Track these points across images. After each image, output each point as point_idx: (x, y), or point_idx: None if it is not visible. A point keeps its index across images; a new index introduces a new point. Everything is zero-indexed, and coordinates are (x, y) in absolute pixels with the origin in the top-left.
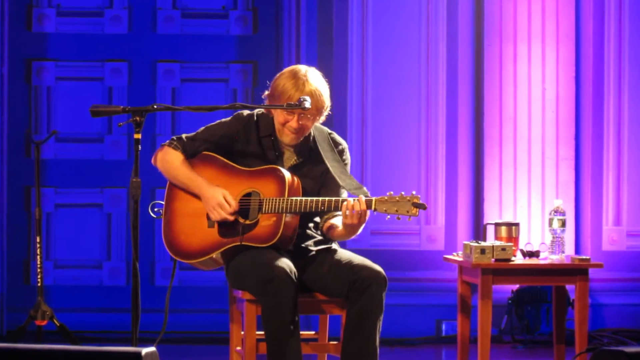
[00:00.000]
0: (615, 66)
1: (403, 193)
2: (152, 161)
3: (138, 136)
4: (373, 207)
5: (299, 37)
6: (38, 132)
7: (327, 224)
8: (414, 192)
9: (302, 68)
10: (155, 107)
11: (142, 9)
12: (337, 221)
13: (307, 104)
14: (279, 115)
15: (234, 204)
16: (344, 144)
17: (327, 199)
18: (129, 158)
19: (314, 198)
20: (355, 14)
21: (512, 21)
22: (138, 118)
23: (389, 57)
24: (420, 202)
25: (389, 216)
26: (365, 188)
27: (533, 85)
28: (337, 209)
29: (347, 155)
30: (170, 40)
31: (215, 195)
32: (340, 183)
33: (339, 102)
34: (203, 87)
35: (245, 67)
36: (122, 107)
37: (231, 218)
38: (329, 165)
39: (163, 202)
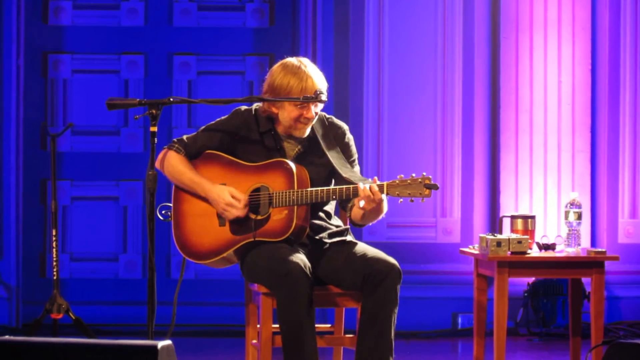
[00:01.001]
0: (632, 57)
1: (414, 175)
2: (157, 165)
3: (154, 129)
4: (385, 191)
5: (315, 30)
6: (54, 124)
7: (353, 211)
8: (424, 174)
9: (295, 61)
10: (171, 99)
11: (158, 1)
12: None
13: (324, 97)
14: (291, 112)
15: (243, 198)
16: (343, 126)
17: (337, 187)
18: (145, 151)
19: (325, 188)
20: (371, 6)
21: (528, 12)
22: (154, 111)
23: (405, 48)
24: (432, 182)
25: (401, 200)
26: (369, 180)
27: (549, 77)
28: (348, 196)
29: (349, 137)
30: (187, 33)
31: (223, 195)
32: (344, 176)
33: (355, 94)
34: (219, 80)
35: (261, 60)
36: (138, 99)
37: (243, 213)
38: (329, 156)
39: (171, 205)
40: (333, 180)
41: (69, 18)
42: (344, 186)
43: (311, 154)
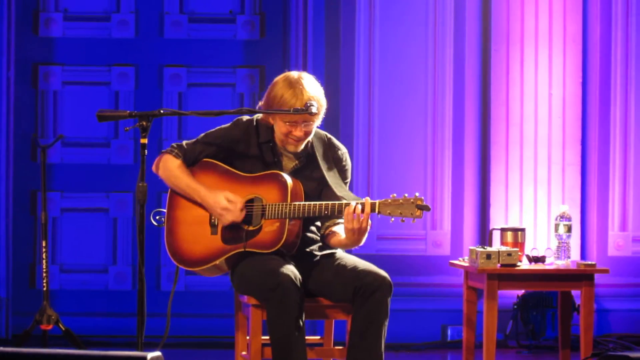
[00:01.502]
0: (623, 70)
1: (406, 195)
2: (153, 169)
3: (144, 141)
4: (377, 210)
5: (306, 42)
6: (44, 136)
7: (327, 231)
8: (417, 194)
9: (295, 74)
10: (161, 111)
11: (149, 13)
12: (339, 229)
13: (314, 109)
14: (281, 127)
15: (240, 201)
16: (343, 149)
17: (330, 202)
18: (136, 163)
19: (317, 202)
20: (362, 19)
21: (519, 24)
22: (144, 123)
23: (396, 60)
24: (424, 203)
25: (392, 219)
26: (362, 199)
27: (540, 89)
28: (340, 213)
29: (348, 161)
30: (177, 45)
31: (218, 200)
32: (338, 194)
33: (345, 105)
34: (210, 92)
35: (252, 72)
36: (128, 111)
37: (240, 217)
38: (325, 175)
39: (165, 210)
40: (322, 195)
41: (60, 30)
42: (337, 202)
43: (308, 169)
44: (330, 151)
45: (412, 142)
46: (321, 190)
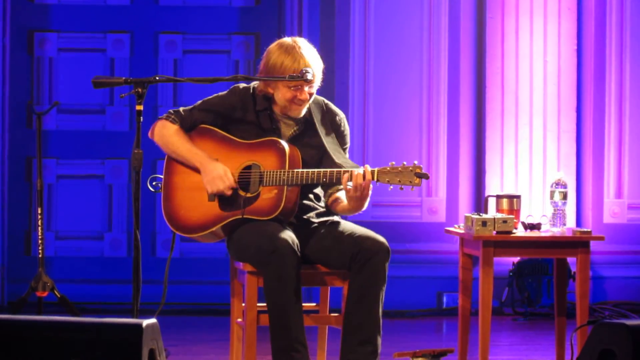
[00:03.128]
0: (617, 39)
1: (405, 163)
2: (149, 134)
3: (140, 107)
4: (375, 177)
5: (301, 8)
6: (40, 103)
7: (331, 198)
8: (415, 162)
9: (289, 39)
10: (157, 78)
11: None
12: (341, 194)
13: (309, 75)
14: (285, 93)
15: (232, 180)
16: (340, 114)
17: (329, 170)
18: (131, 129)
19: (316, 170)
20: None
21: None
22: (140, 89)
23: (391, 29)
24: (423, 172)
25: (391, 187)
26: (361, 167)
27: (535, 58)
28: (339, 180)
29: (346, 125)
30: (173, 12)
31: (217, 168)
32: (336, 161)
33: (340, 72)
34: (205, 59)
35: (247, 39)
36: (124, 78)
37: (228, 192)
38: (324, 141)
39: (162, 177)
40: (321, 162)
41: None
42: (335, 169)
43: (307, 136)
44: (328, 116)
45: (407, 110)
46: (320, 157)
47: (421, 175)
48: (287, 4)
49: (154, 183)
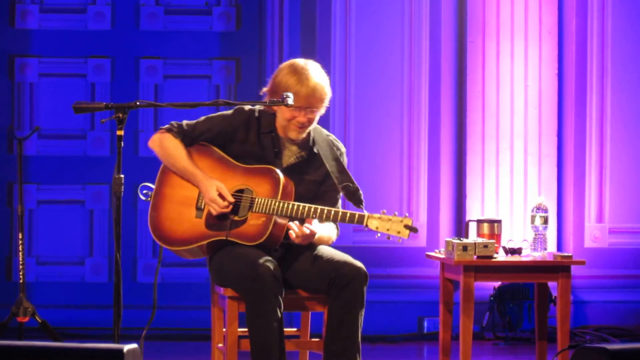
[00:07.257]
0: (598, 63)
1: (396, 213)
2: (149, 144)
3: (121, 132)
4: (365, 223)
5: (282, 34)
6: (21, 128)
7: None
8: (407, 214)
9: (301, 62)
10: (137, 103)
11: (125, 5)
12: (315, 222)
13: (290, 101)
14: (284, 112)
15: (229, 198)
16: (342, 149)
17: (319, 207)
18: (112, 154)
19: (307, 205)
20: (338, 11)
21: (495, 17)
22: (121, 114)
23: (372, 53)
24: (412, 225)
25: (379, 234)
26: (360, 192)
27: (515, 82)
28: (328, 219)
29: (345, 161)
30: (153, 37)
31: (209, 190)
32: (337, 182)
33: None
34: (186, 84)
35: (228, 64)
36: (104, 103)
37: (226, 211)
38: (327, 164)
39: (153, 186)
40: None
41: (36, 21)
42: (326, 208)
43: (308, 166)
44: (332, 151)
45: (388, 134)
46: (315, 193)
47: (410, 228)
48: (268, 29)
49: (144, 191)
